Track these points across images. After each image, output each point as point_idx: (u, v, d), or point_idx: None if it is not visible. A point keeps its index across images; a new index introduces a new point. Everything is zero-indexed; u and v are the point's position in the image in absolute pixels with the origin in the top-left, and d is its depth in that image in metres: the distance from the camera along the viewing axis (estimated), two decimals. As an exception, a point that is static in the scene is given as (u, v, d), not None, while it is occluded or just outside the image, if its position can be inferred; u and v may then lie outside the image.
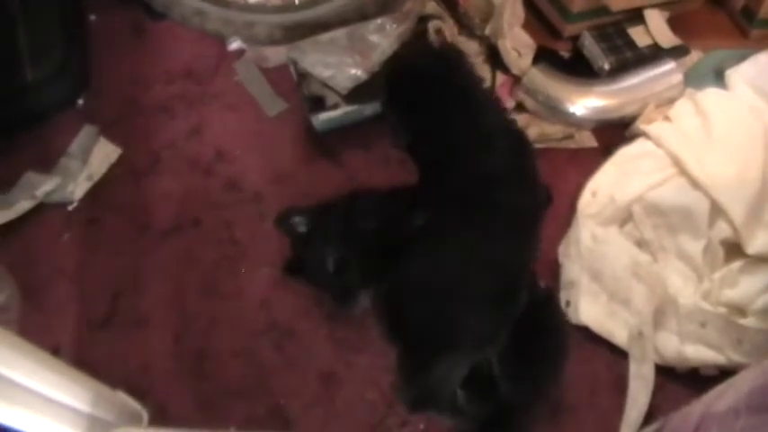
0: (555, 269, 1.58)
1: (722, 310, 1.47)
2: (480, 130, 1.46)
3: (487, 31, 1.79)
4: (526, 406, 1.35)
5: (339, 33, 1.72)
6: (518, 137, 1.53)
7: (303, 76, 1.75)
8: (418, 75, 1.55)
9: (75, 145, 1.76)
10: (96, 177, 1.73)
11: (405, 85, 1.56)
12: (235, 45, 1.91)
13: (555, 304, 1.49)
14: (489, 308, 1.31)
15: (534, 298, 1.37)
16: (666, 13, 1.82)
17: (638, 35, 1.80)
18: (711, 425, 0.97)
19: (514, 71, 1.77)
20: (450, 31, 1.81)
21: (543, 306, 1.40)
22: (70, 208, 1.70)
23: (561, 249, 1.59)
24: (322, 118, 1.73)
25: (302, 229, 1.48)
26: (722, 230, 1.53)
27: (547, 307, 1.42)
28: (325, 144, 1.77)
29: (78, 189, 1.71)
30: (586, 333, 1.51)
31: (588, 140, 1.76)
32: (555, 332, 1.40)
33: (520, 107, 1.79)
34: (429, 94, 1.50)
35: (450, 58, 1.60)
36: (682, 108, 1.71)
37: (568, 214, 1.63)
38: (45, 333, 1.53)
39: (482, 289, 1.32)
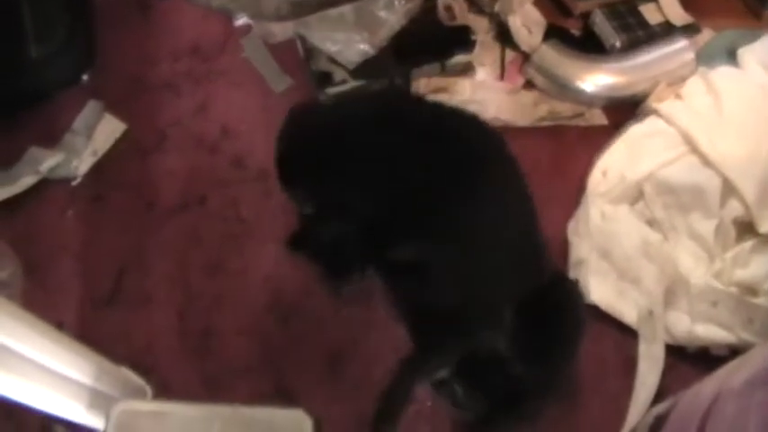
0: (564, 248, 1.56)
1: (733, 289, 1.46)
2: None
3: (497, 8, 1.77)
4: (537, 391, 1.33)
5: (347, 9, 1.70)
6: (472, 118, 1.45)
7: (310, 51, 1.73)
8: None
9: (80, 121, 1.75)
10: (101, 153, 1.72)
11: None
12: (241, 21, 1.89)
13: (570, 285, 1.45)
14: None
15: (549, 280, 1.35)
16: (678, -9, 1.80)
17: (650, 13, 1.78)
18: (727, 400, 0.96)
19: (524, 48, 1.76)
20: (459, 7, 1.79)
21: (557, 287, 1.37)
22: (74, 183, 1.68)
23: (570, 228, 1.58)
24: (329, 93, 1.71)
25: None
26: (734, 209, 1.52)
27: (561, 288, 1.39)
28: (332, 121, 1.75)
29: (82, 165, 1.69)
30: (595, 312, 1.49)
31: (598, 118, 1.74)
32: (569, 314, 1.36)
33: (529, 84, 1.78)
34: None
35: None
36: (693, 86, 1.70)
37: (578, 193, 1.61)
38: (48, 310, 1.49)
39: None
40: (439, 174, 1.29)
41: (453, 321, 1.29)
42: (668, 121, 1.64)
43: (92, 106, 1.77)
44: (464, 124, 1.39)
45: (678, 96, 1.69)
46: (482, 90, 1.76)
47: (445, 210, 1.29)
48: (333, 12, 1.71)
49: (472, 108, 1.70)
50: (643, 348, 1.45)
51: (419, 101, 1.55)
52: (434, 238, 1.30)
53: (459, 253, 1.30)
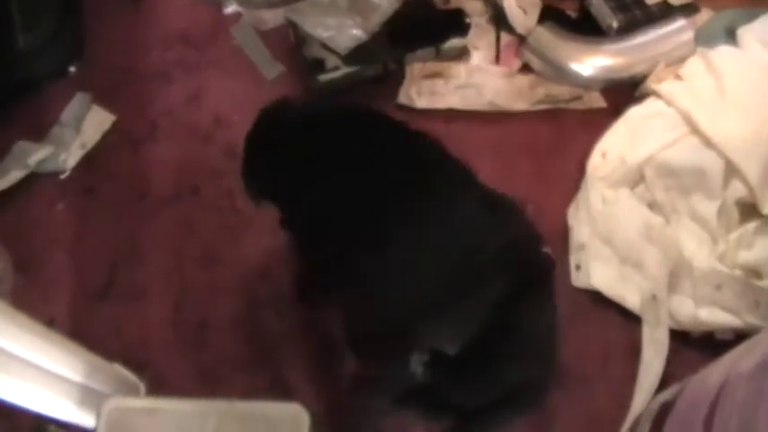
0: (564, 233, 1.55)
1: (738, 272, 1.44)
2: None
3: (492, -10, 1.75)
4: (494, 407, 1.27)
5: (339, -6, 1.68)
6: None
7: (302, 38, 1.71)
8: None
9: (68, 113, 1.73)
10: (89, 145, 1.70)
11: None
12: (231, 8, 1.87)
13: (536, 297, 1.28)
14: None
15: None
16: (676, -30, 1.77)
17: (648, -7, 1.76)
18: (737, 385, 0.94)
19: (520, 30, 1.74)
20: (453, -11, 1.77)
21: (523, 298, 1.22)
22: (63, 177, 1.67)
23: (570, 212, 1.57)
24: (322, 80, 1.69)
25: None
26: (737, 190, 1.50)
27: (525, 300, 1.23)
28: (325, 107, 1.72)
29: (71, 158, 1.68)
30: (598, 297, 1.48)
31: (597, 101, 1.72)
32: (522, 324, 1.22)
33: (526, 68, 1.75)
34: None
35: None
36: (693, 67, 1.67)
37: (578, 177, 1.59)
38: (40, 305, 1.50)
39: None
40: (388, 188, 1.24)
41: (397, 336, 1.23)
42: (668, 101, 1.61)
43: (80, 98, 1.74)
44: (418, 144, 1.32)
45: (678, 77, 1.66)
46: (478, 74, 1.74)
47: (388, 224, 1.22)
48: (325, -3, 1.69)
49: (469, 92, 1.70)
50: (647, 333, 1.43)
51: (380, 117, 1.48)
52: (375, 253, 1.22)
53: (398, 270, 1.24)
